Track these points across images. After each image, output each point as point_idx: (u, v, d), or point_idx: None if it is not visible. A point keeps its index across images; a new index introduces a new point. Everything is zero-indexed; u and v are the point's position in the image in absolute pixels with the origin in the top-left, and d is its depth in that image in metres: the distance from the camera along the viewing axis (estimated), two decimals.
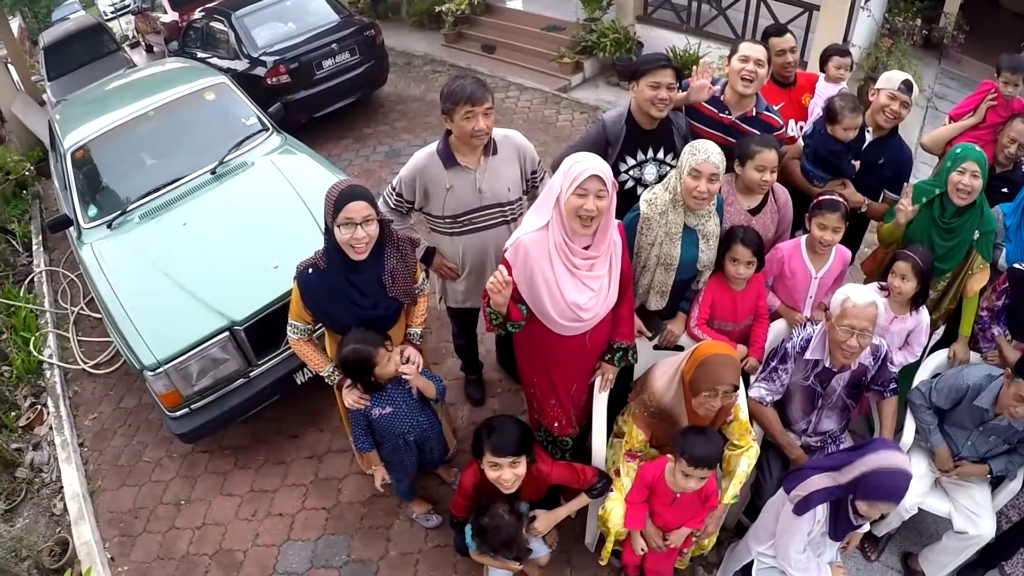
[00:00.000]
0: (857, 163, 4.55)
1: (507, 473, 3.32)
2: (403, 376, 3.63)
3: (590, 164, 3.09)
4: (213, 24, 10.65)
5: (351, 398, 3.68)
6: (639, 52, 10.71)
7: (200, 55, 10.71)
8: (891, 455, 3.04)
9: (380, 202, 3.94)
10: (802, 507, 3.22)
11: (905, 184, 4.21)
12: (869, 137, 4.59)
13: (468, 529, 3.58)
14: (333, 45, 9.83)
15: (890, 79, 4.46)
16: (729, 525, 4.39)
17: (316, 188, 5.44)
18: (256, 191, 5.77)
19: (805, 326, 3.82)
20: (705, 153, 3.56)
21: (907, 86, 4.39)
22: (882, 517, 4.11)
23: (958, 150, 4.07)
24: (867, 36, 11.09)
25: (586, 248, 3.28)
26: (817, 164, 4.54)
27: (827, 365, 3.71)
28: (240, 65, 9.81)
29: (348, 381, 3.68)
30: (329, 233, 3.39)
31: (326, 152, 9.25)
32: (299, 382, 5.02)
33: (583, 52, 11.10)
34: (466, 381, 5.44)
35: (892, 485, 3.01)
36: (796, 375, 3.80)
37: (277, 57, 9.52)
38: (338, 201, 3.28)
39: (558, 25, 11.89)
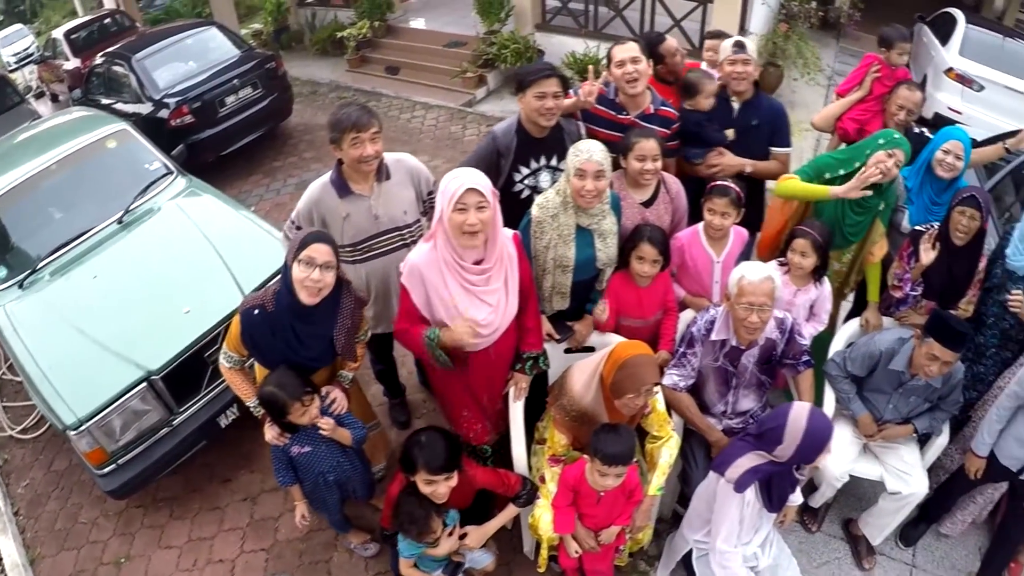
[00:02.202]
0: (731, 132, 4.66)
1: (442, 488, 3.36)
2: (319, 429, 3.61)
3: (465, 179, 3.14)
4: (114, 68, 10.44)
5: (269, 435, 3.65)
6: (540, 60, 10.81)
7: (104, 101, 10.44)
8: (801, 412, 3.14)
9: (281, 237, 3.98)
10: (741, 485, 3.24)
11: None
12: (736, 107, 4.71)
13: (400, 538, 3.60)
14: (235, 81, 9.75)
15: (724, 48, 4.67)
16: (665, 516, 4.43)
17: (222, 229, 5.49)
18: (163, 237, 5.68)
19: (709, 309, 3.86)
20: (588, 153, 3.58)
21: (739, 46, 4.57)
22: (814, 489, 4.22)
23: (880, 140, 4.14)
24: (764, 23, 11.31)
25: (478, 263, 3.32)
26: (688, 142, 4.64)
27: (734, 344, 3.75)
28: (144, 108, 9.63)
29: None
30: (286, 274, 3.37)
31: (236, 189, 9.19)
32: (223, 425, 4.94)
33: (485, 65, 11.20)
34: (390, 405, 5.42)
35: (821, 437, 3.10)
36: (706, 358, 3.84)
37: (179, 98, 9.38)
38: (305, 240, 3.29)
39: (459, 40, 11.99)
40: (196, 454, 4.95)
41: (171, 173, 6.43)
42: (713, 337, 3.76)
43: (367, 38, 12.73)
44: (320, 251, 3.26)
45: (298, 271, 3.27)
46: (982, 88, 10.30)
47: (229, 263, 5.17)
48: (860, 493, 4.60)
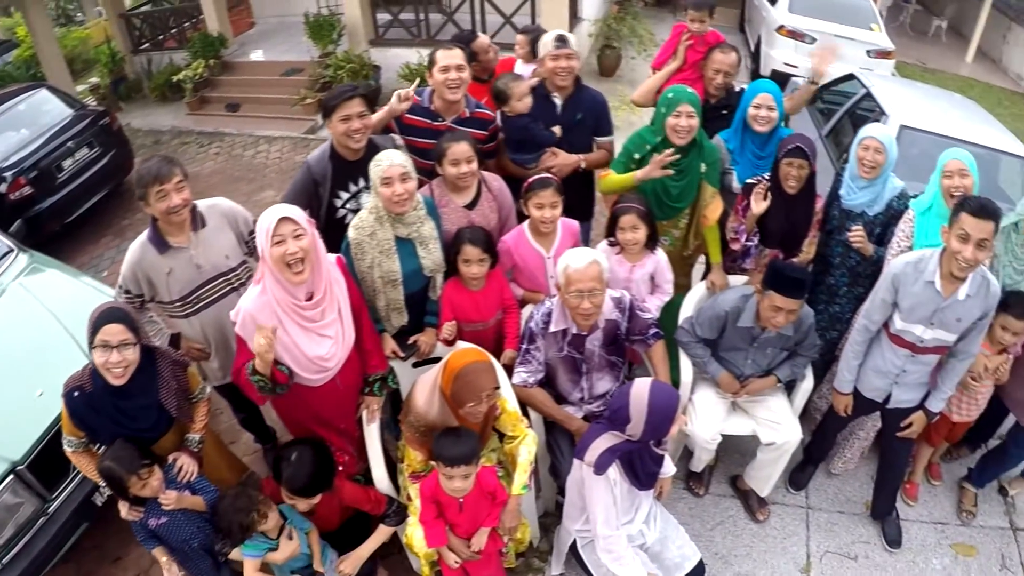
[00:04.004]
0: (557, 129, 4.63)
1: (301, 505, 3.45)
2: (162, 504, 3.48)
3: (277, 211, 3.16)
4: None
5: (123, 511, 3.52)
6: (377, 76, 10.77)
7: None
8: (642, 389, 3.16)
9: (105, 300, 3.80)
10: (600, 467, 3.25)
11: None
12: (559, 103, 4.68)
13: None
14: (70, 143, 9.29)
15: (544, 43, 4.58)
16: (551, 509, 4.44)
17: (69, 302, 5.26)
18: (8, 320, 5.39)
19: (544, 301, 3.85)
20: (388, 160, 3.59)
21: (561, 40, 4.51)
22: (690, 455, 4.27)
23: (669, 95, 4.22)
24: (598, 8, 11.49)
25: (310, 297, 3.30)
26: (517, 149, 4.64)
27: (575, 331, 3.75)
28: None
29: None
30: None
31: (87, 255, 8.82)
32: (100, 503, 4.69)
33: (323, 89, 10.93)
34: (264, 451, 5.26)
35: (666, 410, 3.13)
36: (550, 350, 3.83)
37: (15, 170, 8.81)
38: (95, 324, 3.19)
39: (296, 68, 11.82)
40: (82, 537, 4.70)
41: (12, 251, 6.10)
42: (552, 329, 3.75)
43: (204, 78, 12.35)
44: (112, 332, 3.17)
45: (97, 357, 3.19)
46: (814, 40, 10.81)
47: (78, 337, 4.90)
48: (744, 449, 4.66)
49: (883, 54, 10.99)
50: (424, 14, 10.89)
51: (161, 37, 14.64)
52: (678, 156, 4.21)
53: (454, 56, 4.26)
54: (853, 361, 3.97)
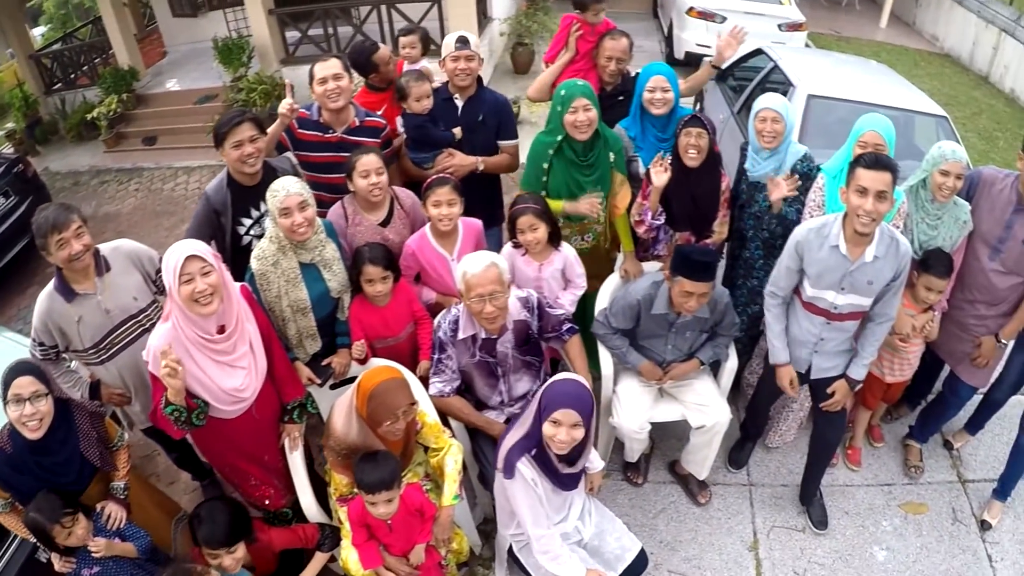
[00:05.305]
0: (458, 130, 4.61)
1: (227, 560, 3.30)
2: (91, 552, 3.42)
3: (182, 249, 3.13)
4: None
5: (56, 563, 3.45)
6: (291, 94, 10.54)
7: None
8: (556, 378, 3.16)
9: (28, 355, 3.78)
10: (508, 470, 3.23)
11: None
12: (460, 104, 4.66)
13: None
14: None
15: (446, 44, 4.56)
16: (490, 516, 4.37)
17: None
18: None
19: (450, 309, 3.80)
20: (283, 190, 3.56)
21: (462, 42, 4.49)
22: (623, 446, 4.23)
23: (562, 92, 4.20)
24: (508, 6, 11.46)
25: (221, 330, 3.27)
26: (417, 148, 4.61)
27: (484, 336, 3.71)
28: None
29: None
30: None
31: (14, 307, 8.59)
32: (44, 559, 4.55)
33: None
34: (202, 488, 5.15)
35: (561, 391, 3.09)
36: (463, 357, 3.78)
37: None
38: (5, 380, 3.17)
39: (210, 94, 11.69)
40: None
41: None
42: (461, 335, 3.71)
43: (118, 113, 12.10)
44: (22, 384, 3.15)
45: (11, 412, 3.16)
46: (724, 19, 10.89)
47: None
48: (679, 433, 4.62)
49: (794, 26, 11.15)
50: (333, 28, 10.81)
51: (73, 76, 14.40)
52: (601, 201, 4.27)
53: (330, 67, 4.25)
54: (777, 328, 3.93)
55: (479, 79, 4.70)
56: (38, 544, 4.33)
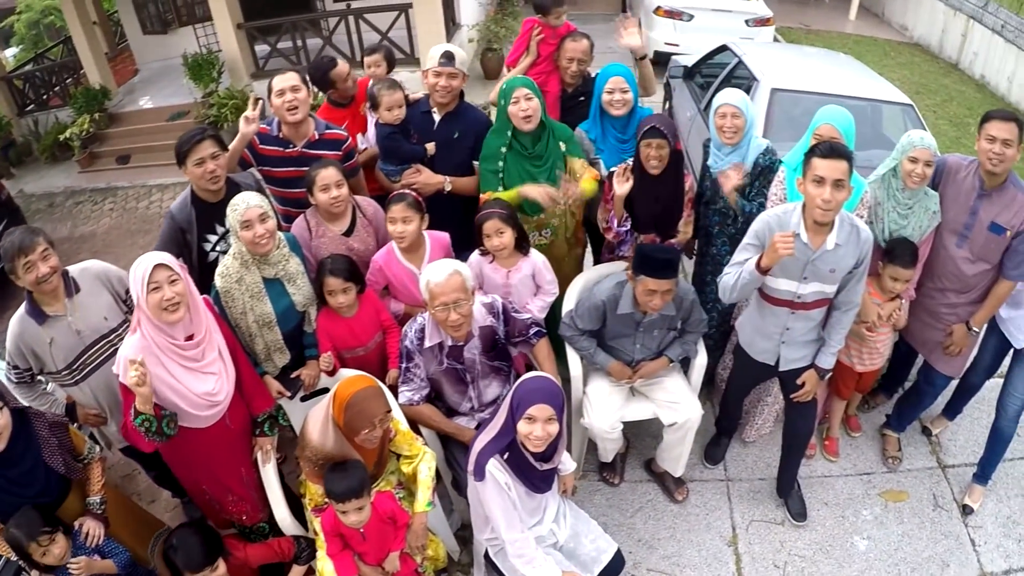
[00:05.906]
0: (431, 145, 4.58)
1: None
2: (71, 571, 3.40)
3: (149, 259, 3.17)
4: None
5: None
6: (264, 108, 10.53)
7: None
8: (524, 377, 3.20)
9: (3, 379, 3.82)
10: (478, 472, 3.24)
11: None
12: (437, 118, 4.63)
13: None
14: None
15: (431, 56, 4.50)
16: (468, 521, 4.36)
17: None
18: None
19: (416, 318, 3.80)
20: (244, 203, 3.58)
21: (447, 57, 4.43)
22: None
23: (503, 87, 4.24)
24: (476, 13, 11.47)
25: (190, 338, 3.28)
26: (387, 159, 4.59)
27: (450, 343, 3.72)
28: None
29: None
30: None
31: None
32: None
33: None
34: (183, 505, 5.14)
35: (532, 388, 3.13)
36: (431, 365, 3.79)
37: None
38: None
39: (182, 111, 11.65)
40: None
41: None
42: (428, 344, 3.72)
43: (91, 133, 12.01)
44: None
45: None
46: (692, 17, 10.91)
47: None
48: (654, 431, 4.61)
49: (761, 22, 11.18)
50: (302, 40, 10.82)
51: (45, 96, 14.28)
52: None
53: (287, 79, 4.25)
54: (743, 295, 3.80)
55: (461, 94, 4.68)
56: (21, 564, 4.36)
